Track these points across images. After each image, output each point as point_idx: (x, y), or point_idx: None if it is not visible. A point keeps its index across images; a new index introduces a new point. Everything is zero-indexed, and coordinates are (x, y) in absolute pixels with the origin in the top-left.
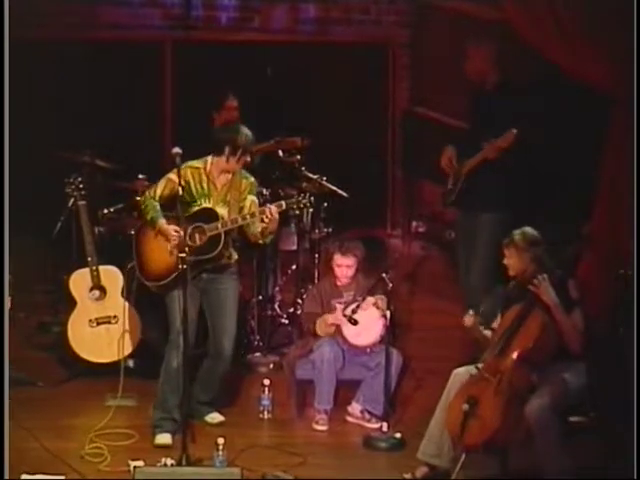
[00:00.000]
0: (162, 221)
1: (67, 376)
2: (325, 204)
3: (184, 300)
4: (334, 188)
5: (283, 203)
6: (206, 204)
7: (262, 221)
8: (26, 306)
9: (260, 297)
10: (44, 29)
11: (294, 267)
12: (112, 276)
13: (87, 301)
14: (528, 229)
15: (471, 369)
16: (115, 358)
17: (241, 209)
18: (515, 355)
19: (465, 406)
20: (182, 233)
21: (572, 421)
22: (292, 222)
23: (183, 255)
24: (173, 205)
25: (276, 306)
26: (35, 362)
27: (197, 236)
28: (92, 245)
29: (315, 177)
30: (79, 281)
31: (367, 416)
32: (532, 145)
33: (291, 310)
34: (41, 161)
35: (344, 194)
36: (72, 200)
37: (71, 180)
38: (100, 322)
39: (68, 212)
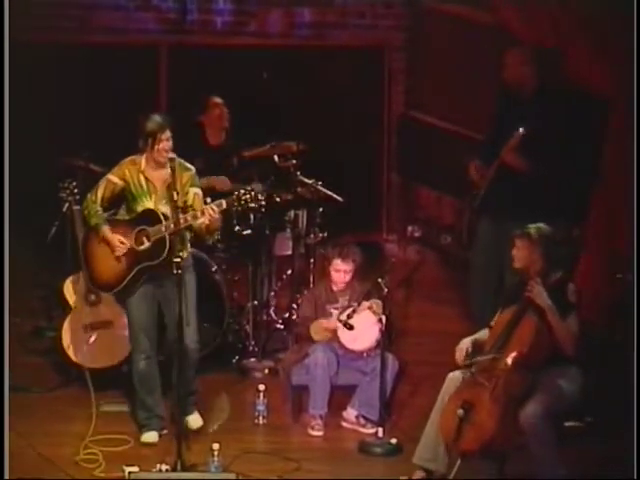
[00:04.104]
0: (105, 228)
1: (62, 381)
2: (320, 209)
3: (179, 303)
4: (329, 193)
5: (223, 202)
6: (148, 202)
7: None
8: (21, 311)
9: (255, 302)
10: (40, 32)
11: (289, 272)
12: None
13: (81, 306)
14: (543, 225)
15: (465, 373)
16: (110, 363)
17: (185, 203)
18: (510, 359)
19: (460, 411)
20: (127, 243)
21: (568, 426)
22: (287, 227)
23: (178, 260)
24: (116, 205)
25: (271, 311)
26: (30, 367)
27: (143, 239)
28: None
29: (310, 182)
30: (74, 286)
31: (362, 421)
32: (576, 152)
33: (286, 315)
34: (35, 165)
35: (339, 199)
36: (67, 205)
37: (66, 185)
38: (95, 327)
39: (62, 217)
